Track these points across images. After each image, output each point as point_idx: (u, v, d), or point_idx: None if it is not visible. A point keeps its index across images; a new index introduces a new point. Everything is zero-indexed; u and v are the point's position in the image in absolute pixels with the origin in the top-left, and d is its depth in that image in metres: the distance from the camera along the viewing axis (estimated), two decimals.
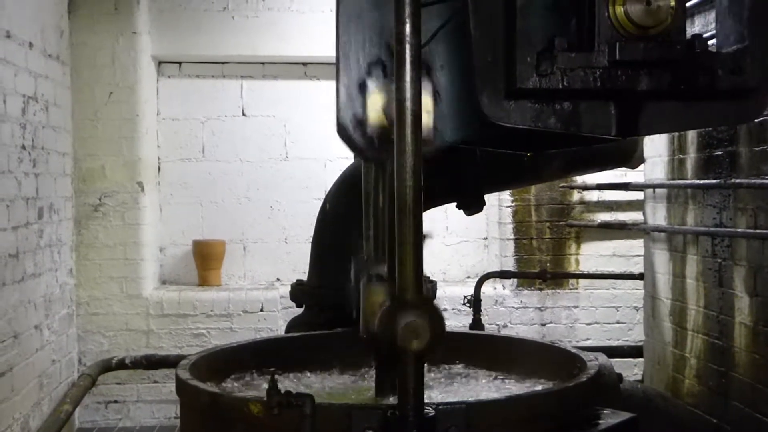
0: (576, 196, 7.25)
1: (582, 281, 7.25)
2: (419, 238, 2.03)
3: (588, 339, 7.18)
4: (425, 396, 2.10)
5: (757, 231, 4.41)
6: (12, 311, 5.17)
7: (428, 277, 4.34)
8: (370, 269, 2.49)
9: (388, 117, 2.23)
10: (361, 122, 2.32)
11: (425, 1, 2.10)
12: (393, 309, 2.00)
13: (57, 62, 6.17)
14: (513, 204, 7.23)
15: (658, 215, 5.63)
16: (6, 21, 5.13)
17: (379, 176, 2.53)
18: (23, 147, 5.40)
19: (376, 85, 2.30)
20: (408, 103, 2.02)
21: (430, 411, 2.11)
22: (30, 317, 5.51)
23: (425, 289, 2.06)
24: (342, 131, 2.33)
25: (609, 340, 7.22)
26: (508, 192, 7.12)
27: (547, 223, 7.26)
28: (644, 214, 5.94)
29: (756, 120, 4.13)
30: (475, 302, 6.65)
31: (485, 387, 2.88)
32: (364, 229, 2.65)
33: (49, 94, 5.95)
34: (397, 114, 2.04)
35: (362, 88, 2.31)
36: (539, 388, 2.84)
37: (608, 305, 7.28)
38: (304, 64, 7.44)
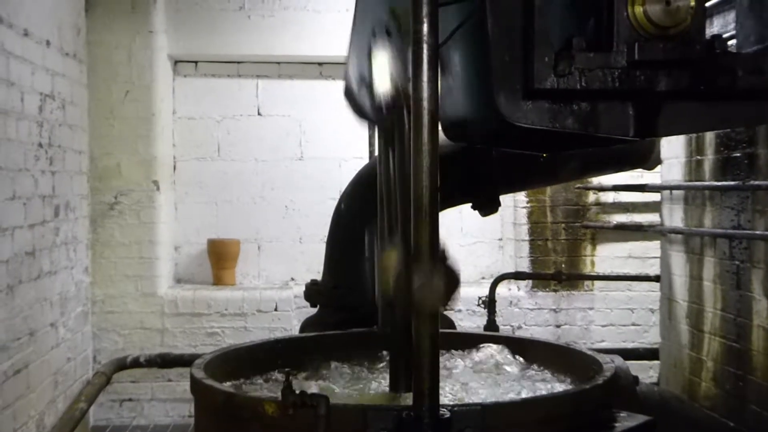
0: (592, 197, 7.22)
1: (597, 283, 7.22)
2: (434, 213, 2.02)
3: (603, 341, 7.15)
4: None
5: None
6: (28, 309, 5.19)
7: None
8: (385, 239, 2.47)
9: (394, 81, 2.21)
10: (367, 85, 2.30)
11: (442, 1, 2.09)
12: (408, 269, 2.00)
13: (74, 60, 6.20)
14: (528, 205, 7.21)
15: (675, 217, 5.60)
16: (24, 19, 5.15)
17: (390, 148, 2.50)
18: (40, 145, 5.43)
19: (383, 50, 2.28)
20: (425, 103, 2.01)
21: (445, 412, 2.10)
22: (46, 315, 5.53)
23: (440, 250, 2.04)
24: (348, 94, 2.32)
25: (624, 342, 7.18)
26: (523, 193, 7.09)
27: (563, 225, 7.23)
28: (661, 215, 5.91)
29: None
30: (489, 303, 6.64)
31: (503, 387, 2.87)
32: (378, 201, 2.63)
33: (65, 92, 5.97)
34: (414, 114, 2.03)
35: (370, 52, 2.30)
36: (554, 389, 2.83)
37: (623, 307, 7.24)
38: (320, 63, 7.44)
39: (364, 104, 2.32)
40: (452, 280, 1.99)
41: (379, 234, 2.59)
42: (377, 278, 2.43)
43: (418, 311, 2.00)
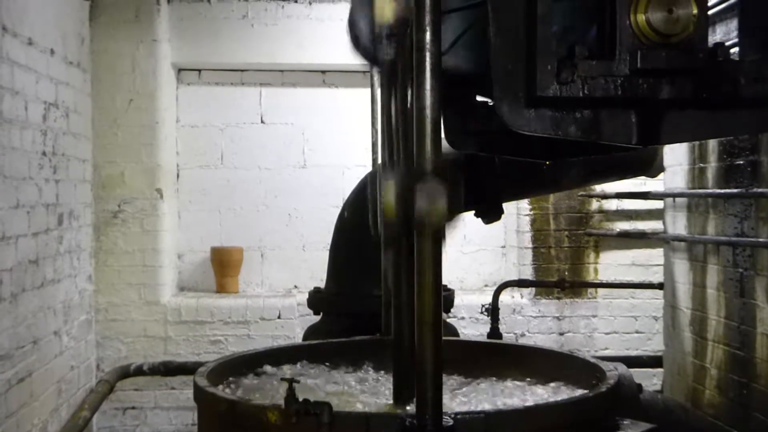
0: (595, 204, 7.22)
1: (600, 290, 7.21)
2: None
3: (606, 348, 7.14)
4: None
5: None
6: (31, 317, 5.20)
7: (446, 286, 4.34)
8: (387, 172, 2.46)
9: (396, 11, 2.20)
10: (370, 21, 2.30)
11: (445, 9, 2.09)
12: (410, 178, 1.98)
13: (78, 69, 6.21)
14: (531, 212, 7.21)
15: (678, 224, 5.60)
16: (28, 28, 5.17)
17: (392, 83, 2.50)
18: (44, 153, 5.44)
19: None
20: (428, 111, 2.02)
21: (448, 420, 2.10)
22: (49, 323, 5.53)
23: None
24: (352, 27, 2.32)
25: (628, 349, 7.17)
26: (526, 200, 7.09)
27: (566, 232, 7.23)
28: (664, 223, 5.91)
29: None
30: (492, 311, 6.63)
31: (507, 395, 2.86)
32: (378, 138, 2.63)
33: (69, 100, 5.98)
34: (417, 122, 2.04)
35: None
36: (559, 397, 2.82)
37: (627, 315, 7.23)
38: (323, 71, 7.45)
39: (366, 38, 2.32)
40: (455, 191, 1.96)
41: (381, 171, 2.58)
42: (379, 212, 2.40)
43: (421, 231, 1.98)
